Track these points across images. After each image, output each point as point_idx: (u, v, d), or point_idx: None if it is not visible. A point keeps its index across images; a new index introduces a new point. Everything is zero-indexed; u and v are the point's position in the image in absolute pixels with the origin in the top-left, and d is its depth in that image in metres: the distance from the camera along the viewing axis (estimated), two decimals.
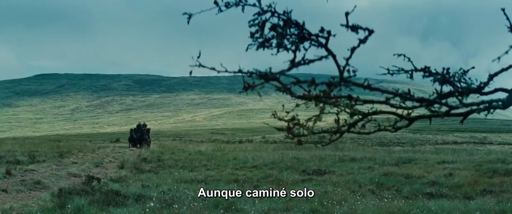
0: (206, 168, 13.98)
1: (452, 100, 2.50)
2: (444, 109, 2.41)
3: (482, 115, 2.41)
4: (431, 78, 2.51)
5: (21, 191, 8.99)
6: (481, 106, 2.37)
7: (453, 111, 2.41)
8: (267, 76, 2.36)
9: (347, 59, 2.33)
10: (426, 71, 2.53)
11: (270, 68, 2.32)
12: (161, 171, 13.04)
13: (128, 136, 31.68)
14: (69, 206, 7.17)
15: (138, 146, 29.98)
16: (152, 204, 7.57)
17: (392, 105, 2.47)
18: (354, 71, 2.45)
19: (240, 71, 2.36)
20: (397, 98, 2.42)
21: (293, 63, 2.38)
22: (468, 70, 2.56)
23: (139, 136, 30.64)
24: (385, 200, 8.27)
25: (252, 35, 2.39)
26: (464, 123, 2.44)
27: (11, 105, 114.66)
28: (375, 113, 2.59)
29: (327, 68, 2.63)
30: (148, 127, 33.25)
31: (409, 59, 2.54)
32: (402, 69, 2.55)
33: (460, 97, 2.43)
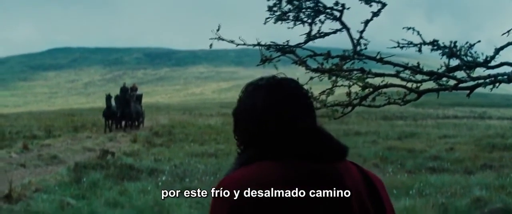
0: (216, 142, 14.21)
1: (459, 75, 2.59)
2: (451, 82, 2.51)
3: (487, 89, 2.50)
4: (440, 51, 2.59)
5: (38, 166, 9.27)
6: (487, 80, 2.46)
7: (460, 85, 2.51)
8: (284, 49, 2.47)
9: (361, 32, 2.43)
10: (435, 44, 2.61)
11: (288, 41, 2.44)
12: (173, 145, 13.30)
13: (103, 109, 17.12)
14: (84, 180, 7.46)
15: (121, 126, 17.31)
16: (164, 178, 7.84)
17: (403, 79, 2.57)
18: (365, 45, 2.56)
19: (258, 44, 2.48)
20: (407, 72, 2.53)
21: (309, 36, 2.49)
22: (474, 44, 2.63)
23: (122, 108, 17.02)
24: (388, 174, 8.43)
25: (270, 8, 2.49)
26: (464, 97, 2.54)
27: (26, 80, 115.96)
28: (386, 86, 2.70)
29: (342, 42, 2.74)
30: (139, 91, 19.30)
31: (418, 33, 2.63)
32: (412, 42, 2.63)
33: (467, 71, 2.53)
